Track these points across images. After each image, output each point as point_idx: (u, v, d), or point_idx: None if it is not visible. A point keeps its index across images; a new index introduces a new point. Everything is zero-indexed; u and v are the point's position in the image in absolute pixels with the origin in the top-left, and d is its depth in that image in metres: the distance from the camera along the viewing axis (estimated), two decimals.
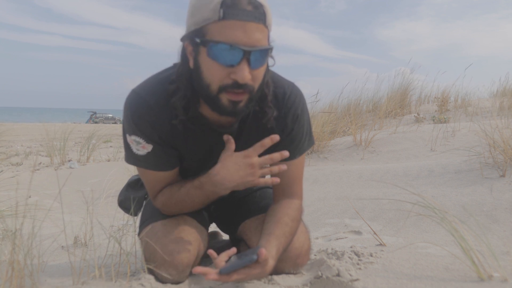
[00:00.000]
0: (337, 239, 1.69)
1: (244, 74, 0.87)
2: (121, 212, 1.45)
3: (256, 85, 0.93)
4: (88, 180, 3.88)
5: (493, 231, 1.54)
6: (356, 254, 1.28)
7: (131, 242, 1.27)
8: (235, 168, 1.01)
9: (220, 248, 1.37)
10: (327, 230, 1.87)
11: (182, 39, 0.95)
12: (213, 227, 1.51)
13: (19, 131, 11.60)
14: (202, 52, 0.89)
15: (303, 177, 1.21)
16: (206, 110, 1.02)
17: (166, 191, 1.12)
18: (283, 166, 1.03)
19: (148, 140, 1.03)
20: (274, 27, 0.94)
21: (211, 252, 0.98)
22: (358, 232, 1.76)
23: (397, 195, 2.15)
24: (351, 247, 1.41)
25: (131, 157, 1.08)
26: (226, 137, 1.04)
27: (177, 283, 1.09)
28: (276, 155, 1.00)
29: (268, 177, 1.08)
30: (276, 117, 1.06)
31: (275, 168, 1.02)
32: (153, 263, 1.08)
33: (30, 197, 3.03)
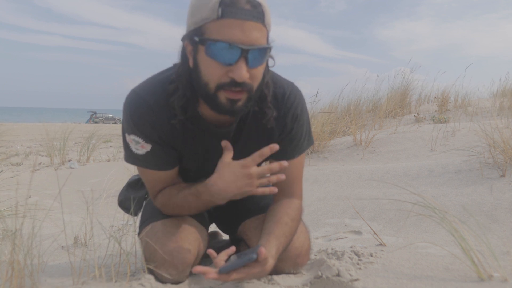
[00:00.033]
0: (337, 239, 1.69)
1: (242, 73, 0.87)
2: (121, 212, 1.45)
3: (255, 84, 0.93)
4: (88, 180, 3.88)
5: (493, 231, 1.54)
6: (356, 254, 1.28)
7: (131, 242, 1.27)
8: (232, 178, 0.98)
9: (220, 248, 1.37)
10: (327, 230, 1.87)
11: (183, 39, 0.96)
12: (213, 227, 1.51)
13: (19, 131, 11.60)
14: (201, 50, 0.90)
15: (303, 177, 1.21)
16: (205, 110, 1.02)
17: (165, 193, 1.12)
18: (282, 176, 0.99)
19: (147, 139, 1.03)
20: (273, 27, 0.94)
21: (211, 251, 0.98)
22: (358, 232, 1.76)
23: (397, 195, 2.15)
24: (351, 247, 1.41)
25: (130, 157, 1.08)
26: (224, 143, 1.02)
27: (177, 283, 1.09)
28: (275, 165, 0.97)
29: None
30: (276, 117, 1.06)
31: (274, 178, 0.99)
32: (153, 263, 1.08)
33: (30, 197, 3.03)
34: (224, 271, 0.91)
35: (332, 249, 1.34)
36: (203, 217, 1.26)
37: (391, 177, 2.58)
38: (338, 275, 1.08)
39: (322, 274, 1.09)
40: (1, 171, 4.02)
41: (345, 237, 1.70)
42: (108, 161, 5.21)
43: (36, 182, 3.70)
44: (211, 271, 0.91)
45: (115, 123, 27.17)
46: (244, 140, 1.09)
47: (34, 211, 1.47)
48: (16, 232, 1.06)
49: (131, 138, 1.03)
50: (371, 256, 1.28)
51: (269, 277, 1.11)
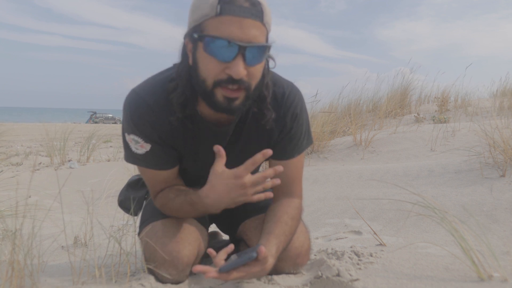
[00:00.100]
0: (337, 239, 1.69)
1: (239, 70, 0.87)
2: (121, 212, 1.46)
3: (253, 82, 0.93)
4: (88, 180, 3.88)
5: (493, 231, 1.54)
6: (356, 254, 1.28)
7: (131, 242, 1.27)
8: (225, 190, 0.95)
9: (220, 248, 1.37)
10: (327, 230, 1.87)
11: (184, 37, 0.96)
12: (213, 227, 1.51)
13: (19, 131, 11.60)
14: (200, 47, 0.90)
15: (303, 177, 1.21)
16: (204, 109, 1.02)
17: (164, 196, 1.12)
18: (277, 181, 0.96)
19: (146, 139, 1.03)
20: (274, 27, 0.95)
21: (211, 250, 0.98)
22: (358, 232, 1.76)
23: (397, 195, 2.15)
24: (351, 247, 1.41)
25: (130, 156, 1.08)
26: (216, 148, 0.98)
27: (177, 282, 1.09)
28: (270, 172, 0.93)
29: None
30: (275, 116, 1.06)
31: (268, 184, 0.96)
32: (153, 262, 1.08)
33: (30, 197, 3.03)
34: (224, 270, 0.91)
35: (332, 249, 1.34)
36: (203, 217, 1.26)
37: (391, 177, 2.58)
38: (338, 275, 1.08)
39: (322, 274, 1.09)
40: (1, 171, 4.02)
41: (345, 237, 1.70)
42: (108, 161, 5.21)
43: (36, 182, 3.70)
44: (211, 270, 0.91)
45: (115, 123, 27.17)
46: (244, 141, 1.09)
47: (34, 211, 1.47)
48: (16, 232, 1.06)
49: (131, 138, 1.04)
50: (371, 256, 1.28)
51: (269, 277, 1.11)
